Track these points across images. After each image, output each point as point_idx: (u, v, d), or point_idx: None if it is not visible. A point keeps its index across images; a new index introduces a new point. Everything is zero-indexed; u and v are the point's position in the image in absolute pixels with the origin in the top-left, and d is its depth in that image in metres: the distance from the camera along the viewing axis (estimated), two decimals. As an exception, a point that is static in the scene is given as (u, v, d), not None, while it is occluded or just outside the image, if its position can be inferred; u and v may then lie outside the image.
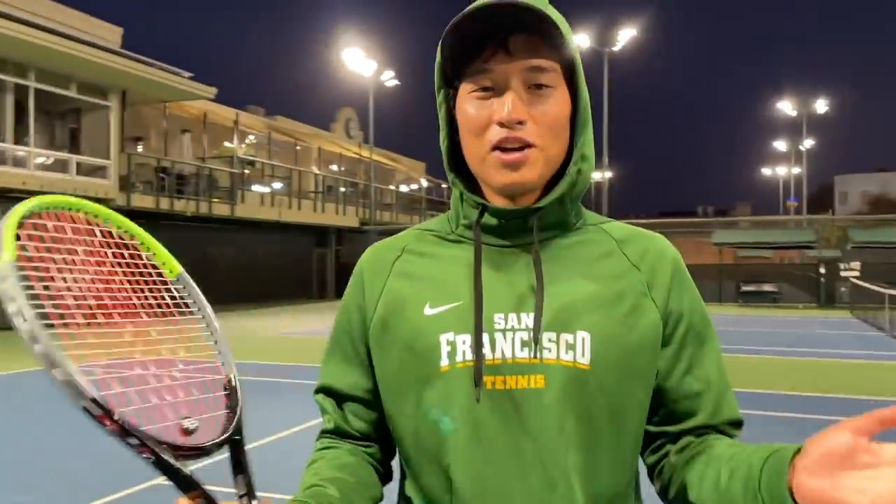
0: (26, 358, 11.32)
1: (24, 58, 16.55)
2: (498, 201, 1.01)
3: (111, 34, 19.87)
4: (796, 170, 53.74)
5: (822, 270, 25.85)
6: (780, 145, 55.27)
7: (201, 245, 22.93)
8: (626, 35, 31.55)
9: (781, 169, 58.15)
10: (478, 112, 0.96)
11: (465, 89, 0.98)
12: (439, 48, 0.98)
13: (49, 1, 18.37)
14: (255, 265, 24.38)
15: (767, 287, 26.43)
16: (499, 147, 0.95)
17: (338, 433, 1.09)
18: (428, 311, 0.99)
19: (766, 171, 62.34)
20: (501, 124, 0.94)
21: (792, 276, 27.26)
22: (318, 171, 30.29)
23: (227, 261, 24.33)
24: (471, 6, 0.94)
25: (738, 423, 1.04)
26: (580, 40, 31.49)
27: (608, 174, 34.55)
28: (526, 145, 0.95)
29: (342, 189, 30.89)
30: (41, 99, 17.45)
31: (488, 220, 1.01)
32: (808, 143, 48.65)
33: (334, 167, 33.51)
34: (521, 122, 0.94)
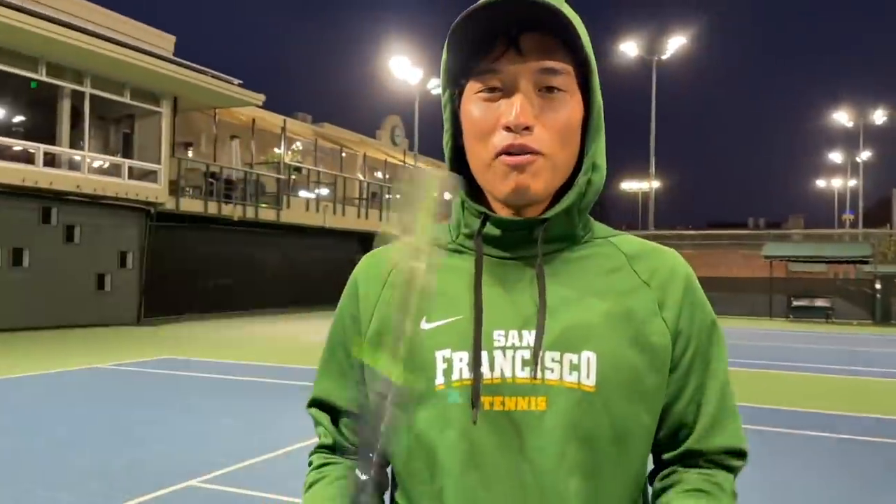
0: (65, 357, 11.66)
1: (80, 65, 17.07)
2: (503, 211, 0.95)
3: (164, 42, 20.36)
4: (852, 182, 52.24)
5: (878, 286, 24.98)
6: (836, 157, 53.77)
7: (248, 249, 23.30)
8: (675, 43, 31.08)
9: (837, 181, 56.57)
10: (484, 114, 0.91)
11: (472, 89, 0.92)
12: (446, 45, 0.92)
13: (105, 10, 18.92)
14: (299, 270, 24.66)
15: (820, 302, 25.67)
16: (504, 153, 0.89)
17: (334, 449, 1.04)
18: (424, 325, 0.93)
19: (821, 184, 60.74)
20: (508, 128, 0.89)
21: (846, 291, 26.45)
22: (362, 178, 30.52)
23: (273, 265, 24.66)
24: (481, 1, 0.88)
25: (735, 453, 0.96)
26: (628, 48, 31.13)
27: (655, 184, 34.02)
28: (532, 152, 0.89)
29: (387, 196, 31.06)
30: (96, 105, 17.96)
31: (490, 230, 0.95)
32: (864, 155, 47.22)
33: (379, 174, 33.74)
34: (528, 128, 0.89)
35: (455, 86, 0.96)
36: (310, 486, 0.99)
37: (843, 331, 21.90)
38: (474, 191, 0.98)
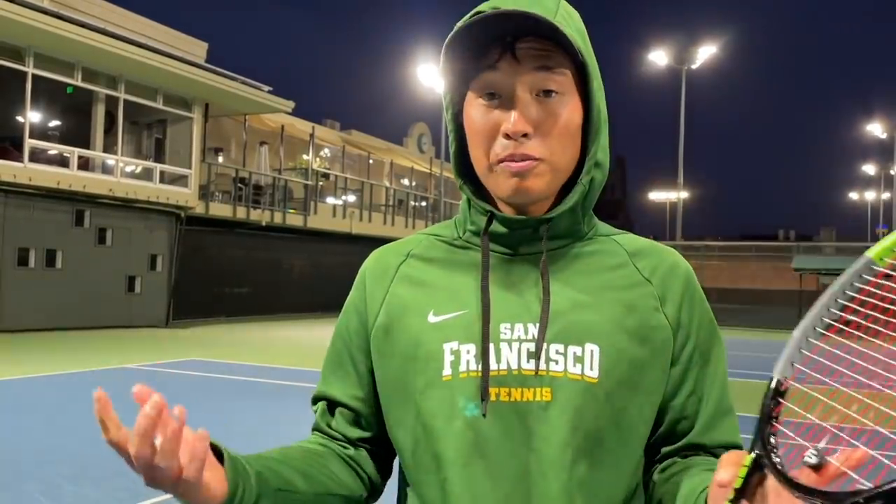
0: (95, 357, 11.83)
1: (115, 70, 17.40)
2: (507, 209, 0.98)
3: (197, 49, 20.68)
4: (886, 195, 51.34)
5: (913, 301, 24.46)
6: (869, 169, 52.88)
7: (275, 254, 23.53)
8: (705, 52, 30.85)
9: (870, 194, 55.61)
10: (484, 121, 0.93)
11: (472, 95, 0.95)
12: (442, 54, 0.94)
13: (140, 17, 19.29)
14: (325, 275, 24.82)
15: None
16: (506, 159, 0.92)
17: (321, 432, 1.06)
18: (432, 318, 0.97)
19: (854, 196, 59.77)
20: (507, 136, 0.91)
21: (879, 305, 25.87)
22: (389, 185, 30.67)
23: (299, 270, 24.87)
24: (477, 14, 0.91)
25: (733, 448, 0.97)
26: (657, 57, 30.97)
27: (683, 194, 33.72)
28: (531, 159, 0.91)
29: (412, 203, 31.16)
30: (129, 110, 18.29)
31: (497, 227, 0.98)
32: (899, 167, 46.32)
33: (406, 181, 33.88)
34: (526, 135, 0.91)
35: (456, 93, 0.98)
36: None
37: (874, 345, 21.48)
38: (480, 189, 1.01)
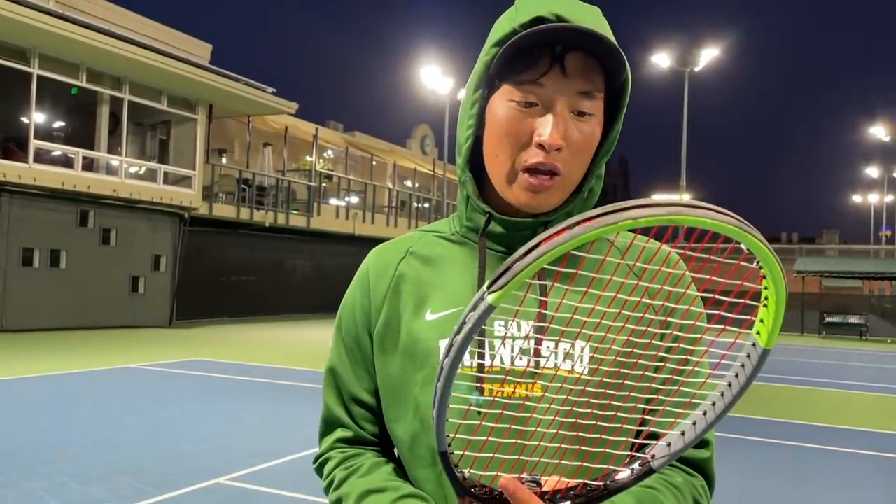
0: (100, 357, 11.86)
1: (119, 71, 17.47)
2: (508, 208, 1.00)
3: (201, 50, 20.74)
4: (889, 198, 51.26)
5: (915, 304, 24.40)
6: (872, 171, 52.79)
7: (278, 255, 23.58)
8: (708, 55, 30.83)
9: (873, 196, 55.52)
10: (516, 125, 0.93)
11: (505, 95, 0.94)
12: (493, 49, 0.94)
13: (144, 18, 19.35)
14: (327, 276, 24.87)
15: (854, 319, 25.16)
16: (530, 169, 0.93)
17: (354, 441, 1.07)
18: (429, 316, 0.99)
19: (857, 199, 59.66)
20: (540, 146, 0.92)
21: (881, 308, 25.90)
22: (392, 186, 30.70)
23: (302, 271, 24.91)
24: (545, 21, 0.90)
25: (700, 443, 0.99)
26: (660, 59, 30.97)
27: (686, 196, 33.68)
28: (555, 172, 0.93)
29: (415, 204, 31.19)
30: (134, 111, 18.34)
31: (494, 227, 1.00)
32: (902, 170, 46.23)
33: (409, 183, 33.90)
34: (559, 149, 0.92)
35: (488, 86, 0.97)
36: (343, 481, 1.01)
37: (877, 348, 21.45)
38: (480, 186, 1.02)
